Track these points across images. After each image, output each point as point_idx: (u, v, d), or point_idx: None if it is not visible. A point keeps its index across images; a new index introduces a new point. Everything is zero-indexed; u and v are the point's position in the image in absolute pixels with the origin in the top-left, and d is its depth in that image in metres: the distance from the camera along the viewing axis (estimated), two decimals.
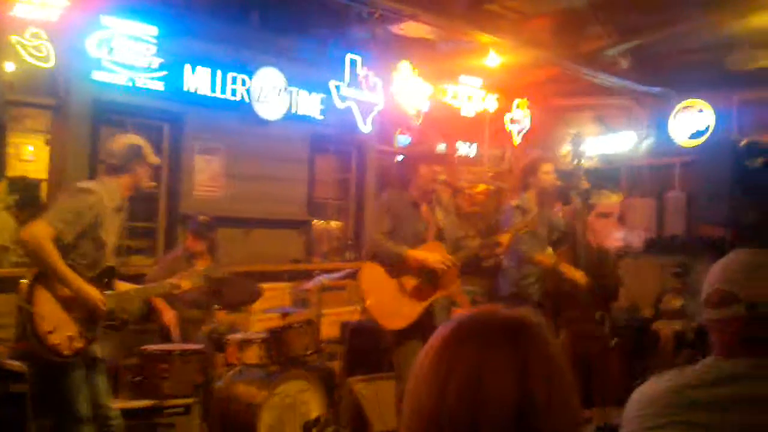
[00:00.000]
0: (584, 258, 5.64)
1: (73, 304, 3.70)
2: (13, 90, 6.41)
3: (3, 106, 2.52)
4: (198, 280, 4.31)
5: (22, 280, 3.66)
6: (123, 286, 4.05)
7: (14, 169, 7.93)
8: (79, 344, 3.69)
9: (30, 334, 3.60)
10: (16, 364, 4.17)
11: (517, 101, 11.03)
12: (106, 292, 3.82)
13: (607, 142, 11.34)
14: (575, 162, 5.65)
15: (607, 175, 10.61)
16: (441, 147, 9.82)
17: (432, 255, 4.64)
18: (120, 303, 3.90)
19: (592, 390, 6.12)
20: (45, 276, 3.66)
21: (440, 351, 1.17)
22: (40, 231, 3.64)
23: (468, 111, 10.11)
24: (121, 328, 3.98)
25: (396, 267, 4.65)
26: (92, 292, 3.72)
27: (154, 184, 4.19)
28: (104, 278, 3.87)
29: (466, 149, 10.94)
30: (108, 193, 3.88)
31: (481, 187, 8.45)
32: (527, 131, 11.09)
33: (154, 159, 4.11)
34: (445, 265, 4.63)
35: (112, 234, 3.95)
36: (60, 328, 3.64)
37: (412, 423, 1.16)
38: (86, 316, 3.74)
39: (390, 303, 4.63)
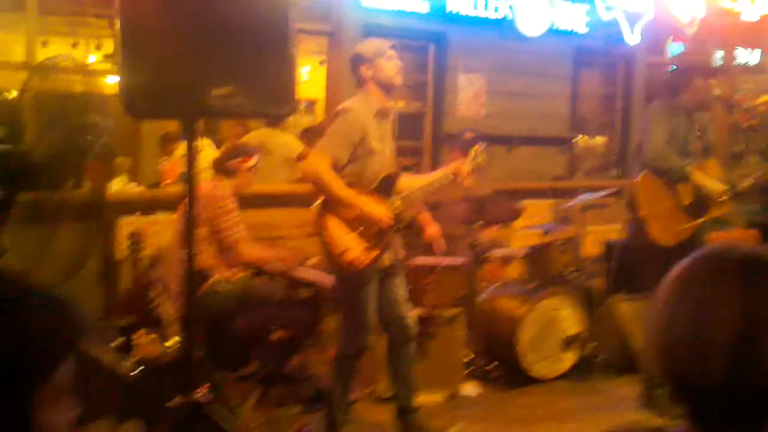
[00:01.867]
0: None
1: (359, 222, 3.90)
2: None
3: (293, 35, 2.76)
4: (481, 159, 4.23)
5: (313, 206, 3.96)
6: (408, 181, 4.16)
7: None
8: (373, 254, 3.91)
9: (327, 255, 3.97)
10: (307, 274, 4.67)
11: None
12: (390, 198, 3.98)
13: None
14: None
15: None
16: (718, 56, 9.09)
17: (713, 182, 4.49)
18: (405, 205, 4.03)
19: None
20: (330, 202, 3.90)
21: (675, 283, 1.21)
22: (316, 162, 3.87)
23: (751, 14, 9.20)
24: (409, 227, 4.16)
25: (674, 181, 4.54)
26: (374, 210, 3.88)
27: (395, 72, 4.01)
28: (386, 186, 4.00)
29: (747, 57, 10.02)
30: (365, 104, 3.98)
31: (763, 98, 7.72)
32: None
33: (370, 49, 4.02)
34: (723, 195, 4.45)
35: (384, 139, 4.06)
36: (351, 247, 3.88)
37: (647, 350, 1.23)
38: (374, 229, 3.92)
39: (664, 217, 4.53)
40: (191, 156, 2.98)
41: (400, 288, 4.16)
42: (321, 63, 8.07)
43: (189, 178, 2.99)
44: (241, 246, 4.50)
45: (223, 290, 4.45)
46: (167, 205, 5.18)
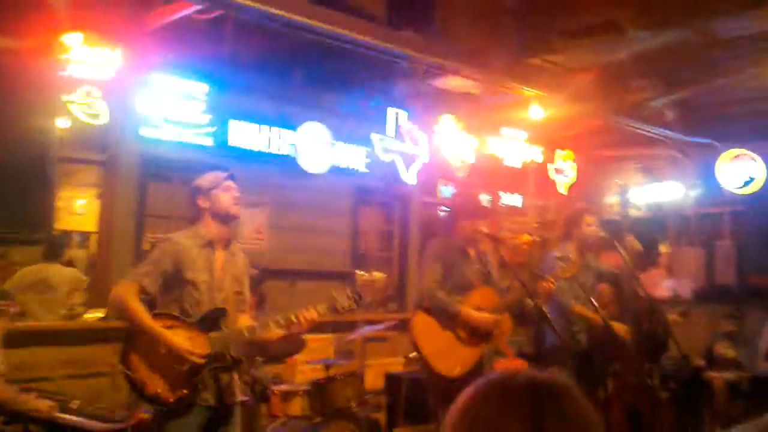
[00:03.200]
0: (633, 309, 5.55)
1: (166, 355, 3.56)
2: (64, 146, 6.57)
3: (53, 162, 2.57)
4: (348, 305, 3.95)
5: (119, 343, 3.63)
6: (243, 319, 3.86)
7: (65, 223, 8.10)
8: (179, 393, 3.56)
9: (131, 390, 3.60)
10: (70, 419, 4.26)
11: (561, 152, 11.01)
12: (211, 334, 3.64)
13: (653, 191, 11.23)
14: (620, 215, 5.62)
15: (654, 225, 10.48)
16: (485, 198, 9.81)
17: (481, 315, 4.72)
18: (228, 343, 3.68)
19: None
20: (135, 333, 3.59)
21: (463, 409, 1.20)
22: (122, 289, 3.62)
23: (512, 162, 10.12)
24: (234, 367, 3.76)
25: (446, 317, 4.72)
26: (181, 345, 3.55)
27: (231, 203, 3.83)
28: (209, 320, 3.68)
29: (510, 200, 10.93)
30: (192, 235, 3.79)
31: (525, 237, 8.40)
32: (572, 181, 11.05)
33: (208, 181, 3.87)
34: (497, 327, 4.73)
35: (213, 272, 3.79)
36: (157, 381, 3.55)
37: None
38: (182, 365, 3.57)
39: (446, 350, 4.68)
40: None
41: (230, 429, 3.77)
42: (97, 196, 7.71)
43: None
44: None
45: None
46: None
